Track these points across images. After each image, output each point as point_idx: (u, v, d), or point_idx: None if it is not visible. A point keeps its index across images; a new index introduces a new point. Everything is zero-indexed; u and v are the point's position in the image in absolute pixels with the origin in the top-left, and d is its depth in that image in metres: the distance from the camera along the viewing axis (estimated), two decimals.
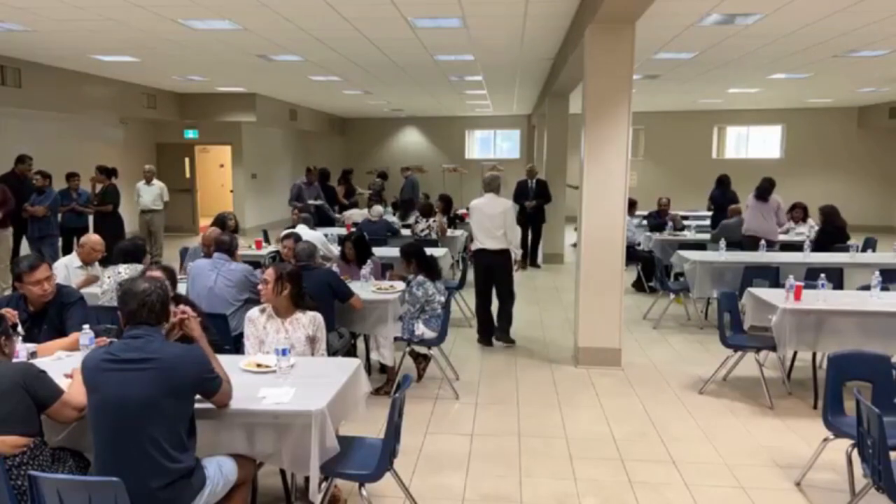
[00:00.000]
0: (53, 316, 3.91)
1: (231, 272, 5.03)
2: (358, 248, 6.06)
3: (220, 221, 6.75)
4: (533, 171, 10.86)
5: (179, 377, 2.56)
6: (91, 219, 9.83)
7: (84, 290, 4.76)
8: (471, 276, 8.88)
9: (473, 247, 6.78)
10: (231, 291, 4.97)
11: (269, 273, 3.83)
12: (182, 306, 3.12)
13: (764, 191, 8.11)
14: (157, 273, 3.73)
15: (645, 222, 10.54)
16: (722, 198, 10.27)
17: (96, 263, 5.62)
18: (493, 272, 6.61)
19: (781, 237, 8.37)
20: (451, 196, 10.10)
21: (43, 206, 8.54)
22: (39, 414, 2.65)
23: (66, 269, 5.48)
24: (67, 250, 9.32)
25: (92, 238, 5.61)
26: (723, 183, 10.52)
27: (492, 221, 6.48)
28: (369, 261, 5.96)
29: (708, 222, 11.20)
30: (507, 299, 6.69)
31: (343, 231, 8.70)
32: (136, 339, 2.60)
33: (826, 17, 6.80)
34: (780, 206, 8.19)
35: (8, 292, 7.88)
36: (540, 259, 11.40)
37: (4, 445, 2.53)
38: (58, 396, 2.67)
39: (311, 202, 10.74)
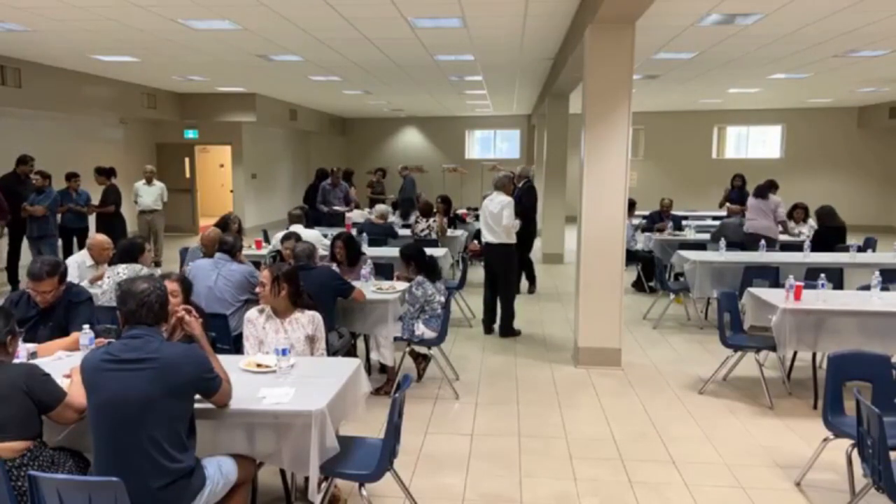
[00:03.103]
0: (60, 314, 3.94)
1: (231, 272, 5.03)
2: (349, 247, 5.86)
3: (224, 223, 6.73)
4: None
5: (178, 377, 2.55)
6: (93, 220, 9.82)
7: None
8: (472, 275, 8.95)
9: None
10: (231, 292, 4.98)
11: (265, 275, 3.83)
12: (182, 306, 3.12)
13: (762, 189, 8.18)
14: (175, 286, 3.67)
15: (641, 221, 10.52)
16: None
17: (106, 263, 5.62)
18: (493, 265, 6.99)
19: (782, 237, 8.38)
20: (451, 196, 10.11)
21: (42, 206, 8.52)
22: (40, 416, 2.65)
23: (78, 268, 5.50)
24: (67, 251, 9.32)
25: (97, 238, 5.60)
26: (745, 181, 10.93)
27: (492, 218, 6.82)
28: (369, 260, 5.93)
29: (709, 222, 11.30)
30: (505, 292, 6.96)
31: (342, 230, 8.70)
32: (135, 339, 2.59)
33: (826, 17, 6.79)
34: (778, 206, 8.21)
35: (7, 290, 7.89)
36: (534, 286, 9.16)
37: (6, 451, 2.53)
38: (61, 399, 2.66)
39: (337, 206, 10.77)
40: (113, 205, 9.75)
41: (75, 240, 9.49)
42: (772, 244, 7.96)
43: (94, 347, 3.31)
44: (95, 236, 5.63)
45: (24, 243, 8.86)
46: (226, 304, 4.90)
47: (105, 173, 9.93)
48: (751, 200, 8.37)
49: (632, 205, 10.02)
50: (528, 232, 8.57)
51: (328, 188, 11.00)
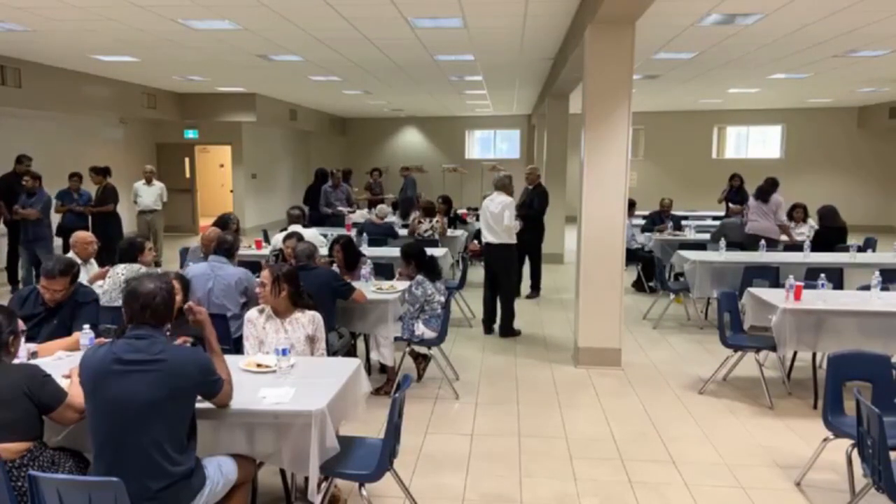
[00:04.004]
0: (66, 314, 3.97)
1: (224, 278, 4.90)
2: (347, 251, 5.79)
3: (223, 222, 6.70)
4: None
5: (182, 379, 2.55)
6: (90, 220, 9.80)
7: None
8: (472, 275, 8.95)
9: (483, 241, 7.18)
10: (230, 296, 4.91)
11: (265, 275, 3.83)
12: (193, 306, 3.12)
13: (763, 191, 8.15)
14: (175, 284, 3.63)
15: (642, 221, 10.53)
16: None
17: (93, 259, 5.61)
18: (493, 265, 7.00)
19: (783, 237, 8.35)
20: (451, 196, 10.12)
21: (35, 210, 8.38)
22: (41, 417, 2.65)
23: None
24: (67, 251, 9.29)
25: (80, 234, 5.57)
26: (742, 181, 11.00)
27: (493, 218, 6.82)
28: (369, 261, 5.91)
29: (709, 222, 11.32)
30: (505, 292, 6.96)
31: (343, 231, 8.70)
32: (140, 340, 2.58)
33: (826, 17, 6.79)
34: (779, 207, 8.19)
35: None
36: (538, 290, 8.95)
37: (6, 452, 2.52)
38: (62, 400, 2.66)
39: (341, 208, 10.78)
40: (112, 203, 9.73)
41: None
42: (772, 244, 7.95)
43: (94, 346, 3.30)
44: (78, 233, 5.60)
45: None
46: (225, 310, 4.84)
47: (101, 172, 9.87)
48: (751, 202, 8.36)
49: (632, 205, 10.01)
50: (536, 233, 8.62)
51: (329, 190, 11.03)
